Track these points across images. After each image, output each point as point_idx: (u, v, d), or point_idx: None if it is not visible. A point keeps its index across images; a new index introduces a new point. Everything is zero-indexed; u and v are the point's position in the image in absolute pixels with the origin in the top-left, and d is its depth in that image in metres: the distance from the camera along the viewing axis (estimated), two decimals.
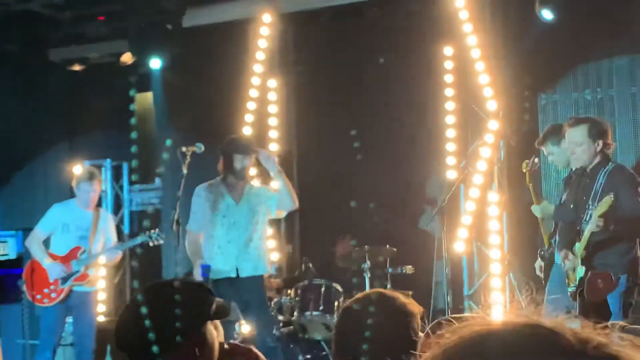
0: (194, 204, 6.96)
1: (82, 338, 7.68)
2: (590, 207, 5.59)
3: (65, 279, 7.53)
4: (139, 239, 7.81)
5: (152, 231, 7.73)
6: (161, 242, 7.97)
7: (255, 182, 7.32)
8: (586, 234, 5.50)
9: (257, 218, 6.88)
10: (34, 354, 7.90)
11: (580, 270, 5.63)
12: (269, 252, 7.13)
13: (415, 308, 2.49)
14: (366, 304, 2.50)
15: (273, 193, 7.01)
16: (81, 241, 7.65)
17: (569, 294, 5.82)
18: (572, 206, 5.84)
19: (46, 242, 7.71)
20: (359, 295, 2.65)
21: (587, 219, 5.59)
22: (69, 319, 7.88)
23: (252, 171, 7.38)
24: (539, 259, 6.37)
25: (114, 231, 7.93)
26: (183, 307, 2.24)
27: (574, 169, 6.04)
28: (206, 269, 6.55)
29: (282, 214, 7.18)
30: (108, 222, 7.89)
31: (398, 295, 2.55)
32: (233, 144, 6.97)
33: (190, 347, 2.27)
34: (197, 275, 6.55)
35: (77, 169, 9.66)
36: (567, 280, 5.85)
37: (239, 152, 6.85)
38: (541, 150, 6.53)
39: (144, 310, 2.26)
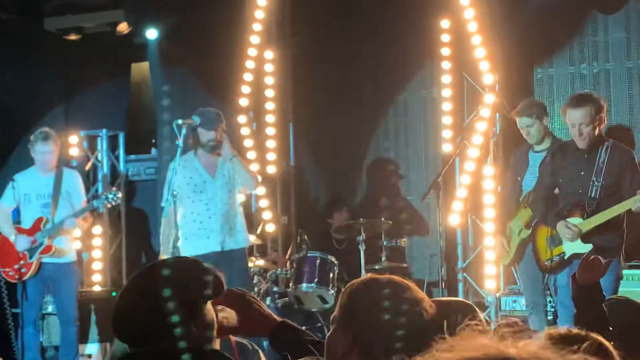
0: (167, 181, 6.85)
1: (63, 309, 7.55)
2: (595, 183, 5.69)
3: (32, 253, 7.36)
4: (95, 203, 7.58)
5: (108, 192, 7.56)
6: (118, 202, 7.80)
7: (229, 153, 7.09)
8: (614, 210, 5.63)
9: (233, 191, 6.96)
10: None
11: (576, 246, 5.71)
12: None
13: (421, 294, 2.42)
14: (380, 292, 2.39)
15: (243, 171, 7.02)
16: (44, 210, 7.42)
17: (544, 266, 5.99)
18: (569, 180, 5.89)
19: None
20: (368, 279, 2.51)
21: (593, 195, 5.69)
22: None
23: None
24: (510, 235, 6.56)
25: (82, 191, 7.66)
26: (175, 295, 2.20)
27: (549, 149, 6.32)
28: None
29: (245, 192, 7.34)
30: (74, 183, 7.59)
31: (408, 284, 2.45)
32: (196, 116, 6.94)
33: (191, 332, 2.24)
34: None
35: (73, 139, 9.69)
36: (537, 252, 6.00)
37: (203, 126, 6.88)
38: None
39: (135, 300, 2.28)
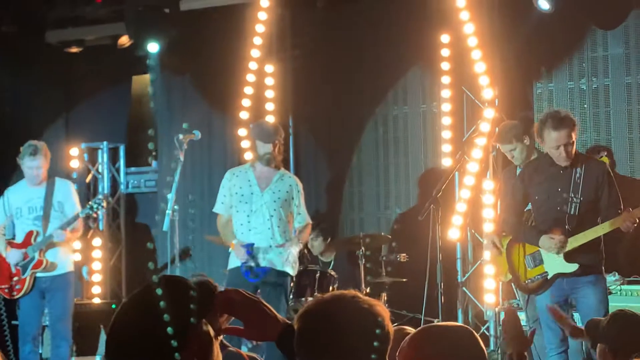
0: (221, 188, 6.94)
1: (55, 323, 7.37)
2: (574, 199, 5.64)
3: (24, 268, 7.21)
4: (81, 213, 7.42)
5: (92, 202, 7.46)
6: (102, 210, 7.71)
7: (290, 176, 7.09)
8: (589, 233, 5.58)
9: (279, 210, 6.79)
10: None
11: (560, 266, 5.67)
12: (292, 254, 6.85)
13: (383, 311, 2.45)
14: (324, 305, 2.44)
15: (300, 210, 6.92)
16: (36, 223, 7.28)
17: (523, 286, 5.96)
18: (546, 197, 5.81)
19: None
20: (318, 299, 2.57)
21: (572, 212, 5.64)
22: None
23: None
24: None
25: (75, 201, 7.44)
26: (166, 317, 2.16)
27: (522, 165, 6.35)
28: (250, 246, 6.62)
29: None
30: (66, 193, 7.40)
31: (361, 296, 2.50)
32: (255, 129, 6.97)
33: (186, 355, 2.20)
34: (240, 255, 6.61)
35: (74, 151, 9.72)
36: (515, 273, 5.96)
37: (260, 139, 6.85)
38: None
39: (124, 329, 2.22)
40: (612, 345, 3.58)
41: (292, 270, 6.77)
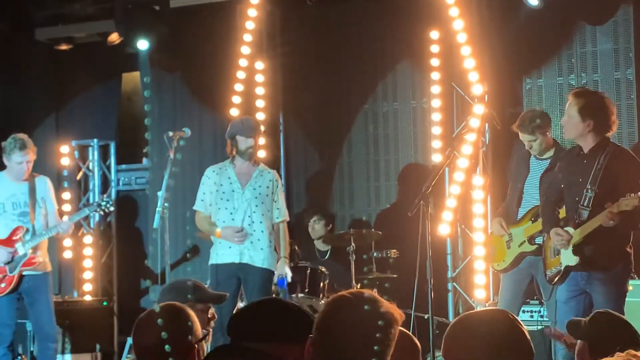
0: (201, 185, 7.03)
1: (41, 325, 7.16)
2: (589, 190, 5.46)
3: (13, 266, 6.97)
4: (87, 210, 7.45)
5: (100, 200, 7.46)
6: (111, 209, 7.68)
7: (269, 171, 7.13)
8: (591, 223, 5.39)
9: (262, 207, 6.87)
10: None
11: (569, 258, 5.55)
12: (273, 249, 6.95)
13: (398, 315, 2.54)
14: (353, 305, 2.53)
15: (279, 205, 7.00)
16: (22, 219, 7.05)
17: (545, 277, 5.85)
18: (563, 186, 5.70)
19: None
20: (344, 294, 2.66)
21: (584, 203, 5.47)
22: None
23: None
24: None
25: (54, 197, 7.34)
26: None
27: (553, 156, 6.30)
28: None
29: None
30: (47, 189, 7.24)
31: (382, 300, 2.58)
32: (237, 125, 7.04)
33: None
34: (229, 237, 6.72)
35: (65, 148, 9.70)
36: (544, 263, 5.87)
37: (242, 134, 6.90)
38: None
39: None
40: (592, 342, 3.62)
41: (266, 259, 6.86)
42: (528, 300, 6.96)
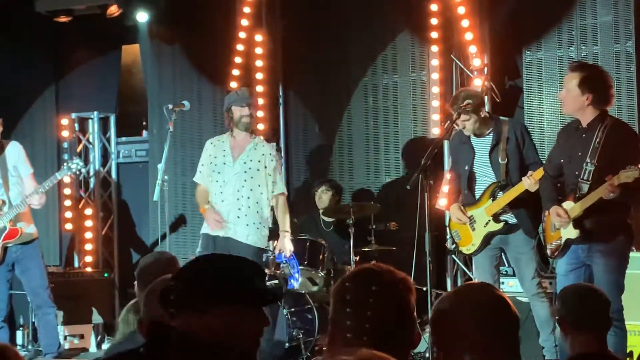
0: (202, 157, 7.07)
1: (36, 293, 7.16)
2: (589, 164, 5.47)
3: None
4: (59, 175, 7.26)
5: (70, 162, 7.33)
6: (82, 171, 7.66)
7: (265, 145, 7.09)
8: (592, 196, 5.40)
9: (253, 181, 6.86)
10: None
11: (569, 231, 5.56)
12: (263, 225, 6.92)
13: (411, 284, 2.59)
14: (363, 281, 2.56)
15: (274, 179, 6.97)
16: None
17: (548, 250, 5.88)
18: (562, 161, 5.72)
19: None
20: (355, 271, 2.68)
21: (585, 177, 5.48)
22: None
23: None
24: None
25: (27, 162, 7.20)
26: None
27: (493, 131, 6.42)
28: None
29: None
30: (18, 155, 7.14)
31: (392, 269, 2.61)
32: (230, 97, 7.05)
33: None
34: (210, 221, 6.76)
35: (64, 121, 9.72)
36: (544, 237, 5.89)
37: (237, 104, 6.91)
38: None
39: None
40: (567, 317, 3.82)
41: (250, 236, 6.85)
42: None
